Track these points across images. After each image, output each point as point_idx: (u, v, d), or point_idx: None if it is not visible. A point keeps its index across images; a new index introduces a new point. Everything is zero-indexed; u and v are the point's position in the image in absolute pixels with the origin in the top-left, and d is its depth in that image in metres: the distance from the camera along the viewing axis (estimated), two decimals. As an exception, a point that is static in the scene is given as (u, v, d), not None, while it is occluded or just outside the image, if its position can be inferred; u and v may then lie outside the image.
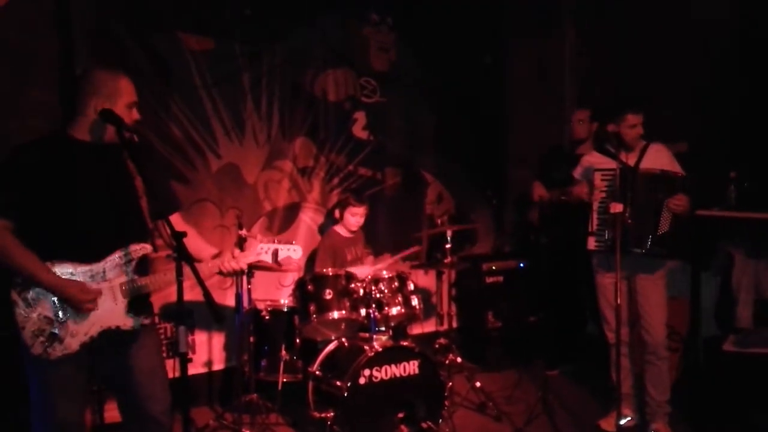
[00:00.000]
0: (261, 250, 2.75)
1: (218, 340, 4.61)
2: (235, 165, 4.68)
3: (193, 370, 4.50)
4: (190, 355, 4.50)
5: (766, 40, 4.37)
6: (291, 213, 4.93)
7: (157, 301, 2.85)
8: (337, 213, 4.59)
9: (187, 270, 2.29)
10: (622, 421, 3.68)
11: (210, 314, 2.21)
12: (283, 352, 3.99)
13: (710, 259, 4.46)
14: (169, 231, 2.35)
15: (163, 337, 4.38)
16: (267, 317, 4.05)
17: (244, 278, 3.89)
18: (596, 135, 4.72)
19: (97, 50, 4.01)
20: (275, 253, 2.77)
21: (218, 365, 4.61)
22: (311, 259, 4.80)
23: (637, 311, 3.74)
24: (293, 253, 2.82)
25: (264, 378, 4.04)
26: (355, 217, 4.52)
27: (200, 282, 2.25)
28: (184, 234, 2.32)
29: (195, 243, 2.75)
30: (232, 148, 4.66)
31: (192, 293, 4.45)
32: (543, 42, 5.99)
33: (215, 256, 2.68)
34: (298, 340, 4.04)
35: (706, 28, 4.61)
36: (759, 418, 3.59)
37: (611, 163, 3.64)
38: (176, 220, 2.72)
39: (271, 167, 4.83)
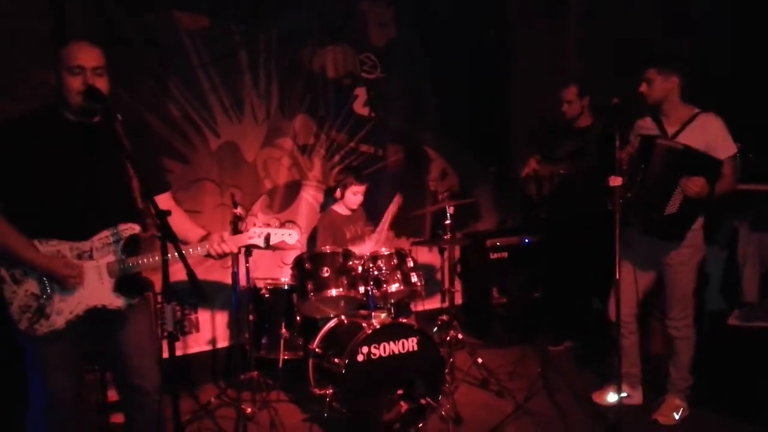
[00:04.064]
0: (253, 234, 2.69)
1: (222, 318, 4.63)
2: (234, 143, 4.66)
3: (197, 347, 4.56)
4: (194, 333, 4.54)
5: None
6: (292, 191, 4.92)
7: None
8: (338, 192, 4.55)
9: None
10: (613, 398, 3.63)
11: (193, 292, 2.21)
12: (284, 330, 4.00)
13: (717, 233, 4.39)
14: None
15: (166, 316, 4.40)
16: (267, 295, 4.05)
17: (242, 257, 3.88)
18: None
19: (91, 31, 3.98)
20: (267, 238, 2.68)
21: (222, 343, 4.64)
22: (312, 238, 4.80)
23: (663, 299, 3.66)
24: (288, 237, 2.72)
25: (265, 355, 4.05)
26: (356, 195, 4.51)
27: (183, 260, 2.25)
28: (168, 213, 2.32)
29: (182, 224, 2.72)
30: (231, 126, 4.64)
31: (195, 272, 4.48)
32: (548, 15, 5.87)
33: (203, 239, 2.64)
34: (298, 318, 4.04)
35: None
36: (761, 392, 3.55)
37: (653, 130, 3.53)
38: (166, 202, 2.73)
39: (271, 145, 4.81)
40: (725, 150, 3.39)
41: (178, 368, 4.40)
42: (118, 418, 3.47)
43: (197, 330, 4.54)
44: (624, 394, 3.62)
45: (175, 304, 2.21)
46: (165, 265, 2.29)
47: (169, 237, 2.27)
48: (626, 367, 3.77)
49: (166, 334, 2.30)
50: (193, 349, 4.53)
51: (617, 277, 3.28)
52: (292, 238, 2.73)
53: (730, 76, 4.36)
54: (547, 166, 4.73)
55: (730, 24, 4.46)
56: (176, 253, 2.27)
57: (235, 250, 2.65)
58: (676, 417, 3.61)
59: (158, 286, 3.87)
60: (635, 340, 3.78)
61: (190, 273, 2.21)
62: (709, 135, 3.40)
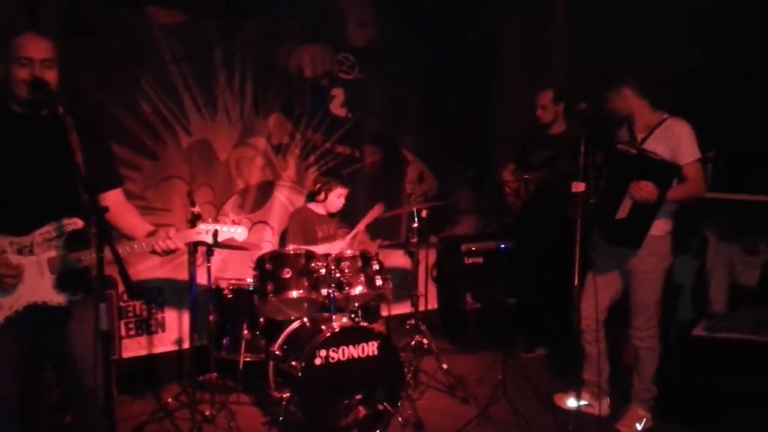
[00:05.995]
0: (201, 230, 2.70)
1: (188, 318, 4.56)
2: (206, 141, 4.61)
3: (163, 348, 4.52)
4: (160, 333, 4.49)
5: (750, 21, 4.21)
6: (265, 191, 4.86)
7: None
8: (321, 196, 4.47)
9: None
10: (573, 404, 3.58)
11: (125, 289, 2.16)
12: (245, 331, 3.94)
13: (690, 242, 4.34)
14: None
15: (131, 315, 4.37)
16: (229, 296, 3.99)
17: (201, 256, 3.83)
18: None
19: (64, 25, 3.94)
20: (215, 234, 2.71)
21: (188, 343, 4.57)
22: (284, 237, 4.74)
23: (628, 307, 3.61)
24: (237, 235, 2.78)
25: (225, 357, 3.99)
26: (340, 198, 4.46)
27: (116, 257, 2.19)
28: (105, 209, 2.26)
29: (131, 220, 2.69)
30: (204, 124, 4.59)
31: (162, 271, 4.45)
32: (533, 19, 5.83)
33: (150, 234, 2.61)
34: (261, 320, 3.99)
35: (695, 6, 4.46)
36: (725, 404, 3.49)
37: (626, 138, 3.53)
38: (117, 197, 2.69)
39: (244, 144, 4.75)
40: (688, 154, 3.35)
41: (141, 368, 4.37)
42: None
43: (163, 330, 4.50)
44: (584, 402, 3.55)
45: (105, 305, 2.14)
46: (100, 261, 2.22)
47: (103, 233, 2.21)
48: (589, 375, 3.72)
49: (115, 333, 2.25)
50: (159, 349, 4.48)
51: (576, 283, 3.24)
52: (241, 235, 2.77)
53: (710, 84, 4.31)
54: (520, 174, 4.68)
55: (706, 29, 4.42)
56: (110, 251, 2.20)
57: (181, 246, 2.61)
58: (639, 427, 3.56)
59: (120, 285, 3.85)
60: (601, 348, 3.70)
61: (122, 270, 2.16)
62: (674, 139, 3.37)
